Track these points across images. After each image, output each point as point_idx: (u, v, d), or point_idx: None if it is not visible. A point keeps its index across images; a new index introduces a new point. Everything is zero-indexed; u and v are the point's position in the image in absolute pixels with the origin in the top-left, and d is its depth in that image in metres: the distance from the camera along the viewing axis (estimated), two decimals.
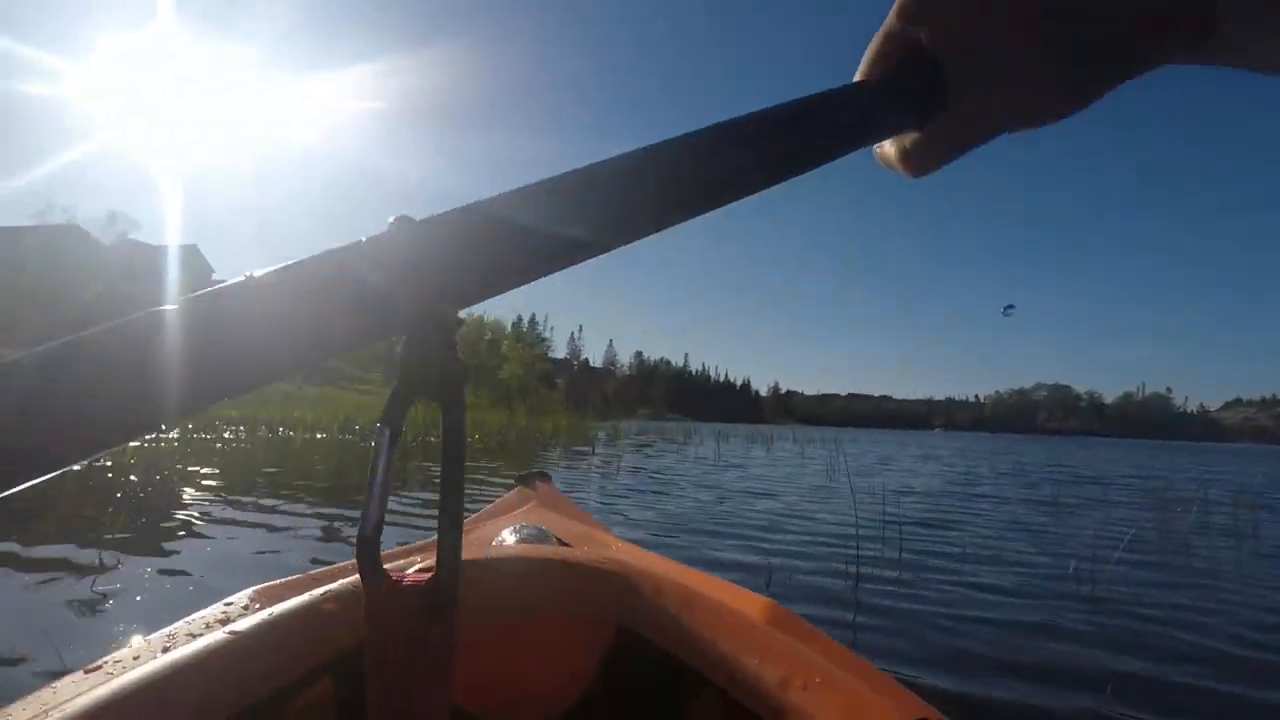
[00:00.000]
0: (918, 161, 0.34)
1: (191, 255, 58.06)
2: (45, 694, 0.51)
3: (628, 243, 0.30)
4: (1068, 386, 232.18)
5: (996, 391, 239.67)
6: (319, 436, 9.94)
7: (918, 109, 0.33)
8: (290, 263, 0.25)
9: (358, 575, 0.57)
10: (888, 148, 0.35)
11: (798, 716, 0.52)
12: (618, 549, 1.01)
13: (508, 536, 0.92)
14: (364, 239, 0.26)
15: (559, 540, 0.94)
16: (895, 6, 0.32)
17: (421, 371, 0.30)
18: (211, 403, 0.23)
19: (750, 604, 0.76)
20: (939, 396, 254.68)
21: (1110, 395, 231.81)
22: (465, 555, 0.62)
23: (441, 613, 0.39)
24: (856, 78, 0.34)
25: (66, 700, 0.45)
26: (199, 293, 0.23)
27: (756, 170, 0.32)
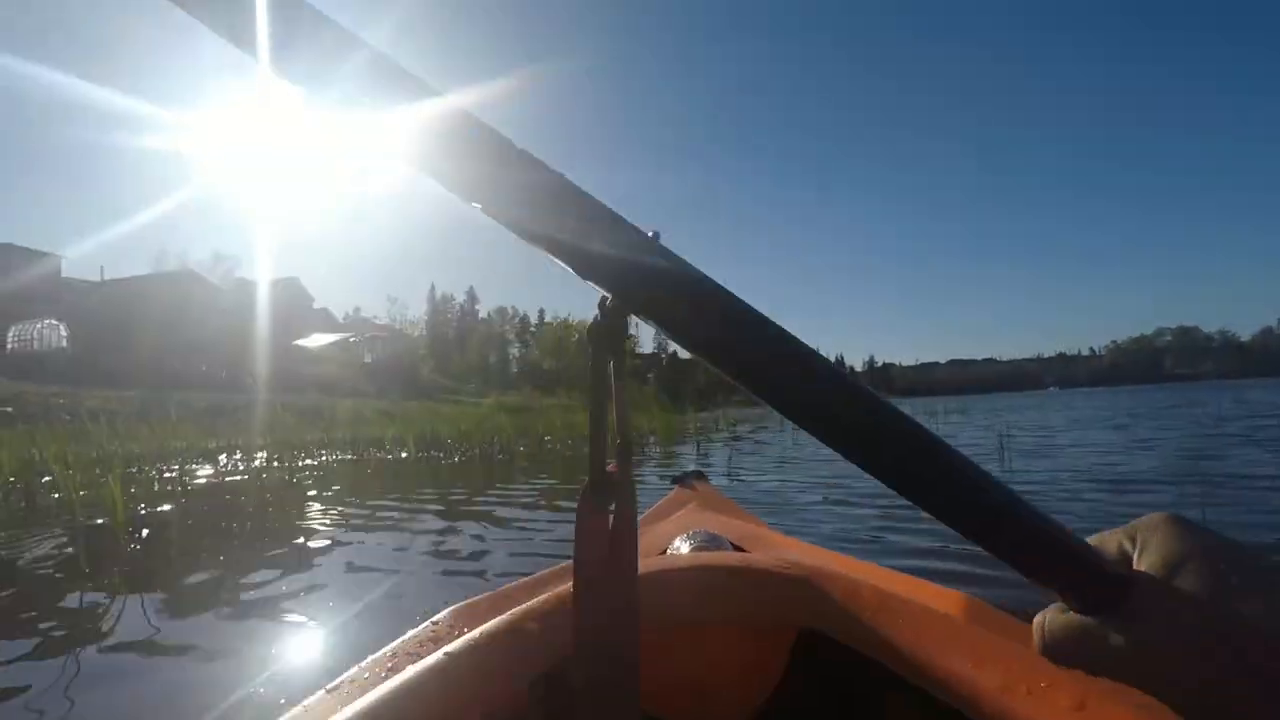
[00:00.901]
0: (1066, 653, 0.32)
1: (293, 286, 61.31)
2: (298, 712, 0.55)
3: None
4: (1195, 327, 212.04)
5: (1114, 341, 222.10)
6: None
7: (1089, 593, 0.31)
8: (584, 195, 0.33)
9: (553, 590, 0.64)
10: (1049, 619, 0.32)
11: (1007, 716, 0.50)
12: (792, 549, 0.98)
13: (681, 545, 0.91)
14: (639, 227, 0.33)
15: (733, 545, 0.93)
16: (1157, 545, 0.30)
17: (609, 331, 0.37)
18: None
19: (949, 602, 0.72)
20: (1048, 353, 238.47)
21: (1247, 332, 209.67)
22: (643, 565, 0.64)
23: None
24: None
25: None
26: None
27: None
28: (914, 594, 0.70)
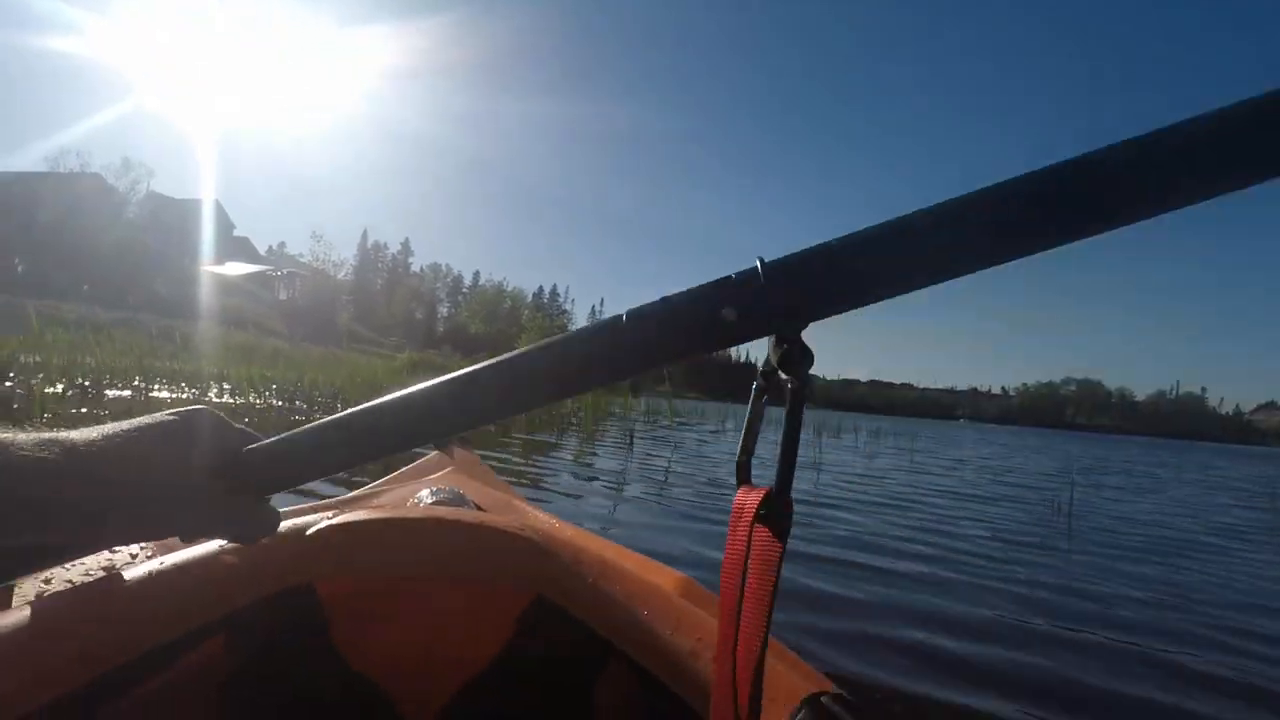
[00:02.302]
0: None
1: (215, 211, 57.55)
2: None
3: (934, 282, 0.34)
4: (1098, 382, 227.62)
5: (1024, 384, 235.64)
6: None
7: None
8: (685, 290, 0.36)
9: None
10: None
11: (702, 686, 0.53)
12: (533, 517, 1.00)
13: (425, 497, 0.91)
14: (733, 275, 0.35)
15: (476, 506, 0.92)
16: None
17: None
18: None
19: (665, 578, 0.77)
20: (962, 386, 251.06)
21: (1142, 393, 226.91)
22: (373, 511, 0.66)
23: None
24: None
25: None
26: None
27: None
28: (634, 567, 0.71)
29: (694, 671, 0.55)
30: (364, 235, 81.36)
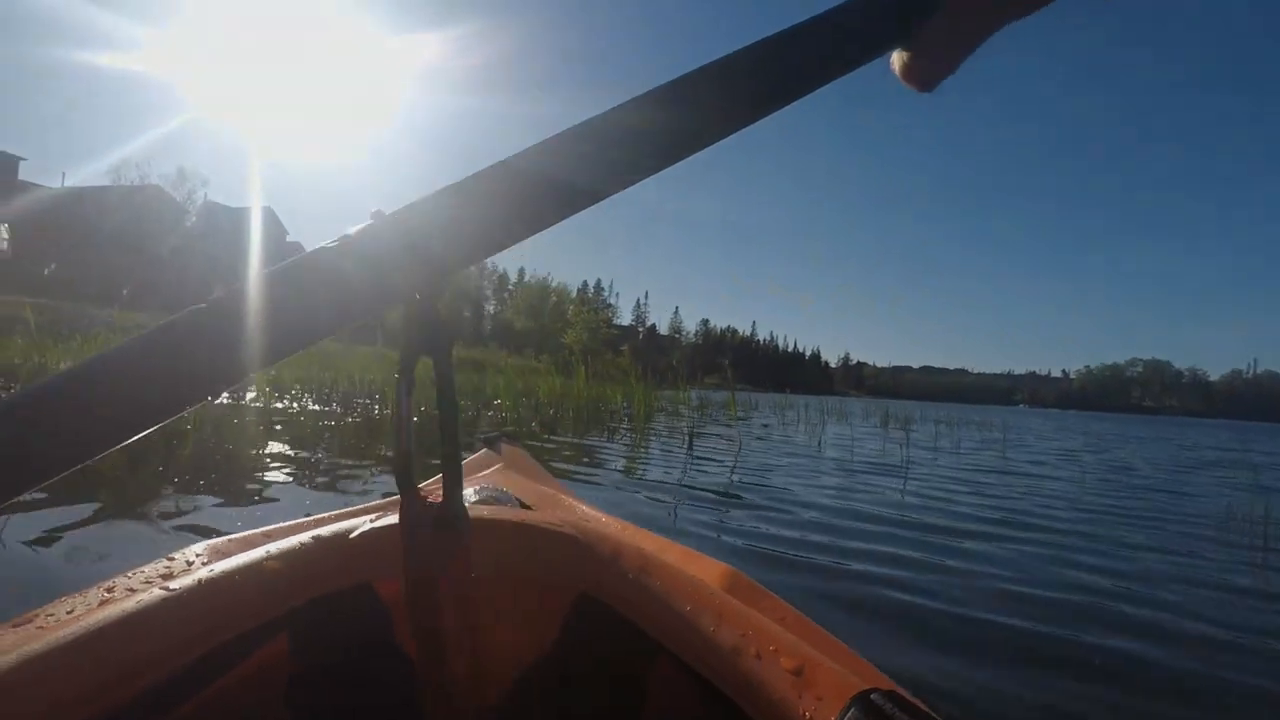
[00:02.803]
0: (920, 74, 0.34)
1: (267, 218, 59.05)
2: None
3: (625, 186, 0.34)
4: (1166, 362, 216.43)
5: (1086, 367, 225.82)
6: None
7: (904, 17, 0.34)
8: (318, 248, 0.32)
9: (303, 535, 0.61)
10: (894, 64, 0.35)
11: (748, 683, 0.53)
12: (581, 513, 1.00)
13: (469, 496, 0.91)
14: (353, 231, 0.32)
15: (520, 503, 0.93)
16: None
17: (418, 333, 0.37)
18: (276, 361, 0.30)
19: (710, 570, 0.76)
20: (1019, 370, 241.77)
21: (1215, 372, 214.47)
22: None
23: (457, 530, 0.48)
24: None
25: None
26: (250, 278, 0.31)
27: (752, 101, 0.33)
28: (679, 562, 0.71)
29: (739, 668, 0.54)
30: None
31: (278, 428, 5.56)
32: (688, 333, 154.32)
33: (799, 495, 3.73)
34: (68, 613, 0.56)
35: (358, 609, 0.65)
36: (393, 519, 0.64)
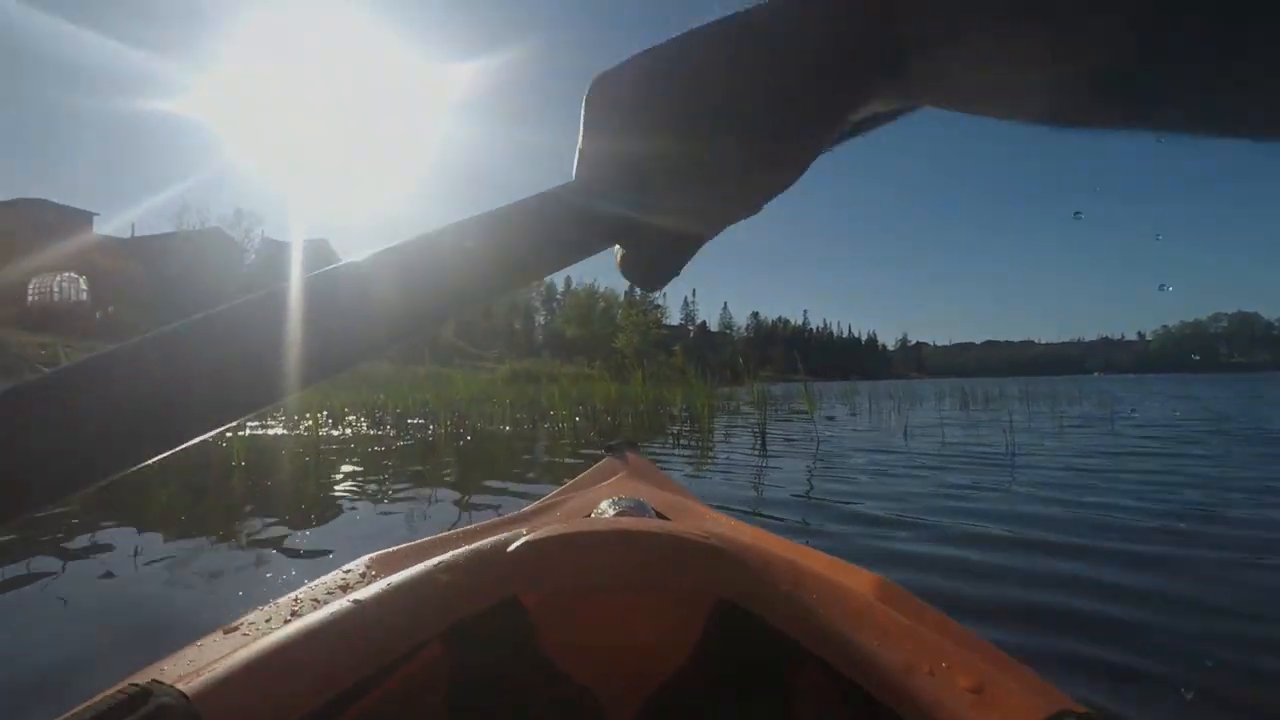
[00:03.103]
0: (632, 276, 0.33)
1: (321, 249, 60.94)
2: (190, 651, 0.55)
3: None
4: (1254, 314, 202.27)
5: (1164, 326, 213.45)
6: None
7: (616, 229, 0.32)
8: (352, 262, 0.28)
9: (459, 550, 0.65)
10: (616, 255, 0.34)
11: (923, 703, 0.50)
12: (714, 520, 1.00)
13: (607, 509, 0.93)
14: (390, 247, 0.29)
15: (657, 513, 0.95)
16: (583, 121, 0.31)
17: None
18: (324, 377, 0.26)
19: (863, 582, 0.73)
20: (1089, 337, 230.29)
21: None
22: (562, 525, 0.69)
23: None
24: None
25: (213, 660, 0.50)
26: (291, 281, 0.26)
27: (466, 290, 0.30)
28: (828, 571, 0.70)
29: (910, 686, 0.51)
30: None
31: (336, 455, 5.37)
32: (739, 327, 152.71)
33: (913, 498, 3.18)
34: (266, 621, 0.60)
35: (507, 621, 0.68)
36: (540, 533, 0.66)
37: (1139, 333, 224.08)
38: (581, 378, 17.01)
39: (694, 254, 0.32)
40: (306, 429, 7.45)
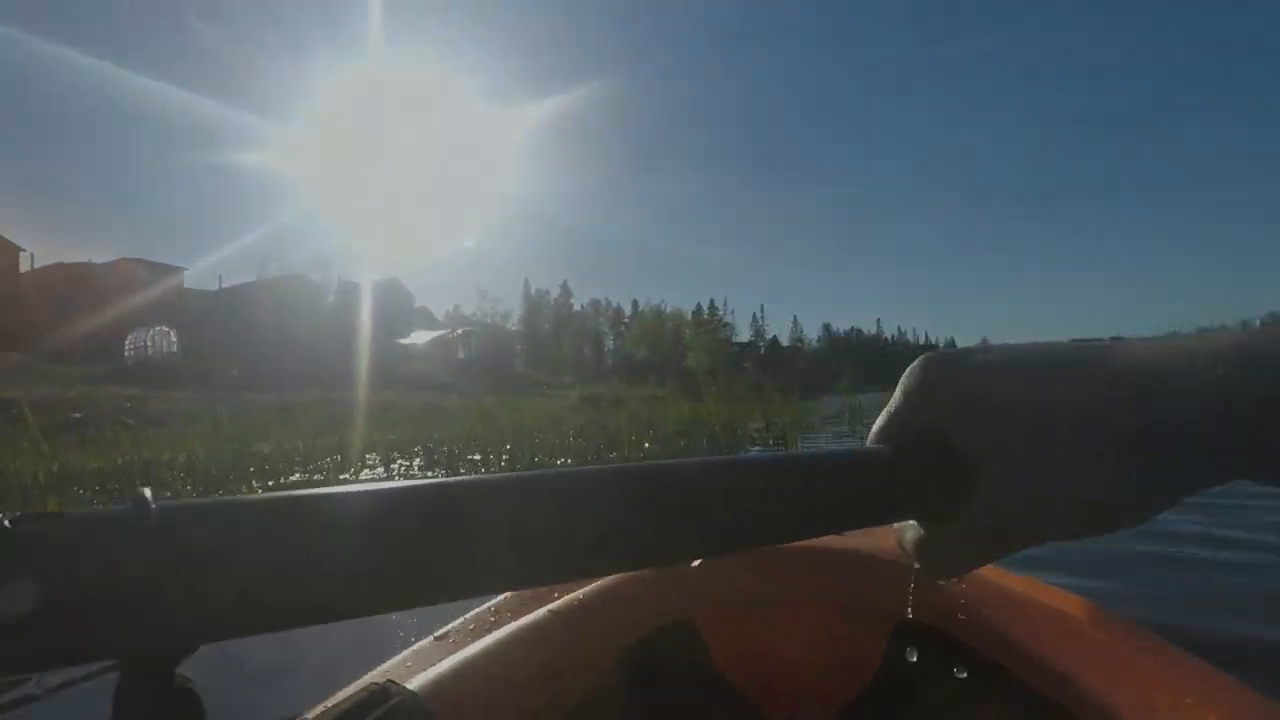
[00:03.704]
0: (933, 565, 0.31)
1: (394, 287, 62.97)
2: (408, 656, 0.59)
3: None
4: None
5: (1272, 313, 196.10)
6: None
7: (932, 501, 0.29)
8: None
9: (627, 573, 0.64)
10: (905, 535, 0.32)
11: None
12: (883, 536, 0.96)
13: None
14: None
15: None
16: (900, 388, 0.29)
17: None
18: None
19: (1067, 603, 0.66)
20: (1187, 328, 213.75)
21: None
22: None
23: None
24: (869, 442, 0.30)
25: (429, 664, 0.54)
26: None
27: (735, 530, 0.27)
28: (1020, 588, 0.67)
29: (1120, 710, 0.47)
30: (525, 284, 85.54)
31: None
32: (810, 340, 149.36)
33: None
34: (470, 629, 0.63)
35: (680, 642, 0.68)
36: None
37: (1242, 323, 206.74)
38: (652, 399, 16.27)
39: (992, 560, 0.29)
40: (346, 475, 6.91)
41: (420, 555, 0.21)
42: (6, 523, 0.17)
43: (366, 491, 0.22)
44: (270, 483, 5.76)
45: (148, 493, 0.19)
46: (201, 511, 0.20)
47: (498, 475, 0.24)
